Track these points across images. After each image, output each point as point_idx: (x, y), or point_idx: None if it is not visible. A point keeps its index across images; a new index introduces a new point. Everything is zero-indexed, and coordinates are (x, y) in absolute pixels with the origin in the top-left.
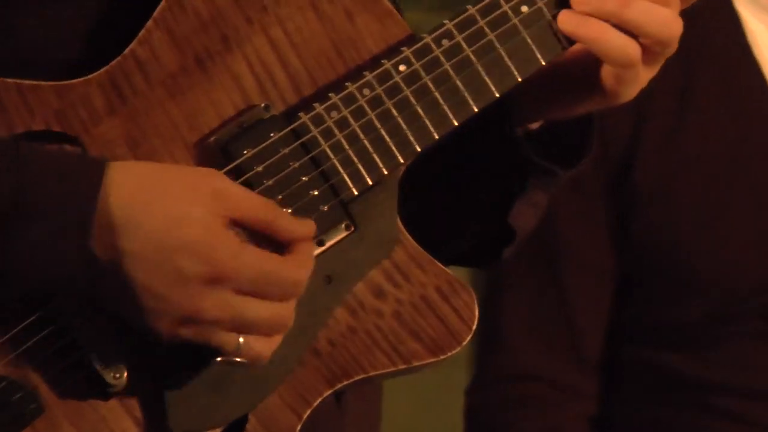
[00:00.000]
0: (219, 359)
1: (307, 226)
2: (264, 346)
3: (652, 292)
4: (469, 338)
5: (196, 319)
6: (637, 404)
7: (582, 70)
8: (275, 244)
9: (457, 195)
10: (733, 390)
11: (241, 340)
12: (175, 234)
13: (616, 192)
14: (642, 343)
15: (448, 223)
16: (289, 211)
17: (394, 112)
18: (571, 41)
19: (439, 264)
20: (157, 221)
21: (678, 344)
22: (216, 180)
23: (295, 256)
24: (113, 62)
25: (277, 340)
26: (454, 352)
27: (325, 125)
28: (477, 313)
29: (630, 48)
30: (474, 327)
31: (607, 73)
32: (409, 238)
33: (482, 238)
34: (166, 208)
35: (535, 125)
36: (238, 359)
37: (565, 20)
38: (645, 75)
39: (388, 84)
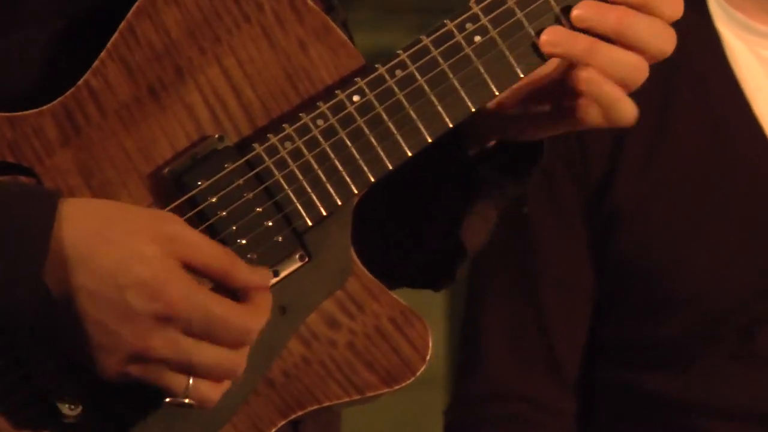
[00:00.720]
0: (167, 400)
1: (263, 276)
2: (212, 391)
3: (631, 311)
4: (422, 369)
5: (144, 357)
6: (615, 423)
7: (557, 99)
8: (231, 292)
9: (405, 213)
10: (711, 410)
11: (190, 382)
12: (127, 271)
13: (595, 210)
14: (620, 363)
15: (398, 243)
16: (243, 241)
17: (348, 142)
18: (540, 62)
19: (393, 294)
20: (111, 258)
21: (656, 364)
22: (174, 224)
23: (249, 305)
24: (67, 93)
25: (226, 385)
26: (408, 382)
27: (279, 156)
28: (431, 343)
29: (623, 101)
30: (428, 357)
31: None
32: (363, 268)
33: (432, 258)
34: (121, 245)
35: (490, 143)
36: (186, 401)
37: (549, 42)
38: None
39: (342, 114)
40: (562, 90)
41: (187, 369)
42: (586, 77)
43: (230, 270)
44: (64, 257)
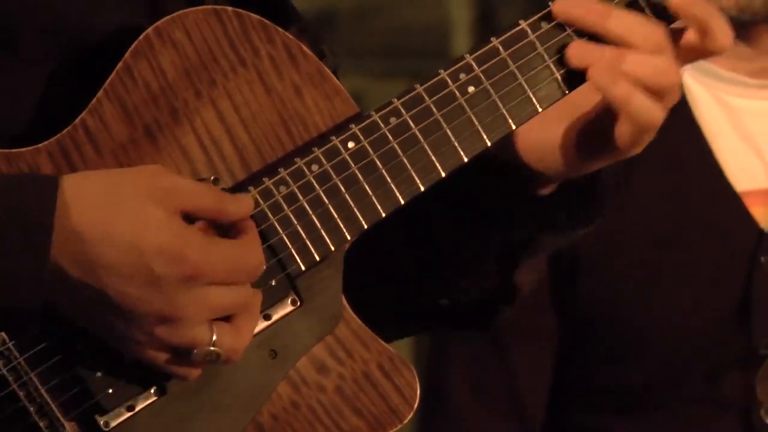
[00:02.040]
0: (195, 351)
1: (248, 202)
2: (236, 339)
3: (595, 355)
4: (410, 416)
5: (173, 319)
6: None
7: (598, 126)
8: (220, 226)
9: (465, 251)
10: None
11: (214, 338)
12: (145, 238)
13: (558, 258)
14: (585, 408)
15: (451, 283)
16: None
17: (342, 188)
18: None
19: (382, 341)
20: (125, 225)
21: (622, 409)
22: (165, 176)
23: (246, 238)
24: (63, 131)
25: (245, 332)
26: (395, 429)
27: (274, 199)
28: (418, 390)
29: (654, 111)
30: (415, 405)
31: (623, 131)
32: (353, 314)
33: (482, 299)
34: (130, 212)
35: (547, 190)
36: (213, 349)
37: (596, 78)
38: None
39: (337, 160)
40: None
41: (212, 314)
42: (619, 93)
43: (221, 207)
44: (76, 233)
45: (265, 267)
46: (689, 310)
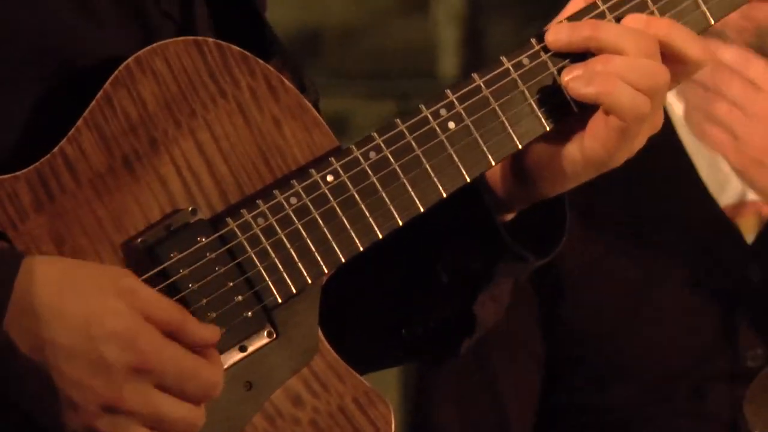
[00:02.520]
0: None
1: (213, 331)
2: None
3: (581, 376)
4: None
5: (115, 410)
6: None
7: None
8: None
9: (421, 281)
10: None
11: None
12: (100, 324)
13: (544, 277)
14: (571, 428)
15: (407, 315)
16: (214, 315)
17: (321, 222)
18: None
19: (357, 375)
20: (81, 312)
21: (609, 428)
22: (129, 278)
23: (209, 360)
24: (42, 159)
25: None
26: None
27: (252, 232)
28: (393, 424)
29: (639, 99)
30: None
31: (612, 126)
32: (329, 347)
33: (442, 331)
34: (89, 299)
35: (509, 216)
36: None
37: (572, 81)
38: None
39: (316, 194)
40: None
41: (156, 423)
42: (596, 89)
43: (183, 325)
44: (31, 310)
45: (220, 388)
46: (675, 328)
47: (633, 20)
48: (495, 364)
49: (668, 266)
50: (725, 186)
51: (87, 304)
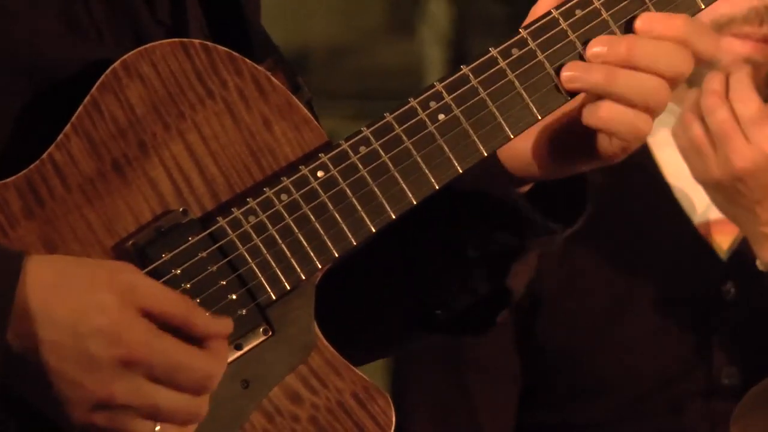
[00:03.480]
0: None
1: (223, 324)
2: None
3: (556, 393)
4: None
5: (109, 405)
6: None
7: (581, 134)
8: (189, 338)
9: (455, 257)
10: None
11: (157, 428)
12: (86, 320)
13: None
14: None
15: (445, 288)
16: (207, 314)
17: (312, 217)
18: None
19: (356, 370)
20: (68, 309)
21: None
22: (130, 273)
23: (209, 351)
24: (31, 166)
25: (191, 430)
26: None
27: (243, 229)
28: (394, 419)
29: (640, 122)
30: None
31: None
32: (326, 343)
33: (478, 303)
34: (78, 296)
35: (525, 188)
36: None
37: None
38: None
39: (306, 189)
40: (582, 128)
41: (153, 414)
42: (603, 115)
43: (189, 317)
44: (26, 312)
45: (217, 380)
46: (651, 346)
47: (649, 21)
48: (471, 383)
49: (643, 284)
50: (699, 203)
51: (76, 301)
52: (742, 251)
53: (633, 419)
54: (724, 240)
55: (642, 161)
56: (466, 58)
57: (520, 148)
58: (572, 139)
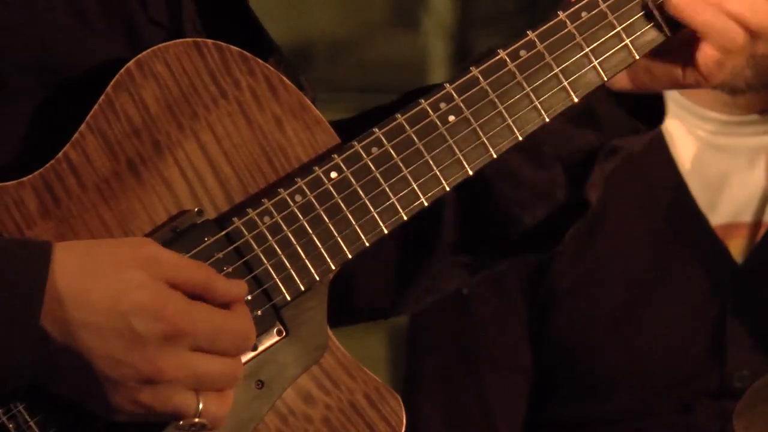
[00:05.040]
0: (180, 423)
1: (240, 287)
2: (220, 408)
3: (569, 388)
4: None
5: (155, 380)
6: None
7: (684, 55)
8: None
9: (522, 158)
10: None
11: (200, 406)
12: (126, 298)
13: (534, 291)
14: None
15: (522, 201)
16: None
17: (326, 218)
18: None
19: (368, 371)
20: (105, 290)
21: None
22: (150, 246)
23: (237, 312)
24: (47, 165)
25: (229, 400)
26: None
27: (258, 230)
28: (405, 419)
29: (735, 32)
30: None
31: (707, 57)
32: (338, 344)
33: (556, 213)
34: (110, 276)
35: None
36: (197, 420)
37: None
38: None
39: (320, 190)
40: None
41: (198, 384)
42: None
43: (209, 282)
44: (59, 299)
45: (254, 338)
46: (664, 344)
47: None
48: (483, 377)
49: (658, 283)
50: (716, 206)
51: (110, 281)
52: (757, 254)
53: (644, 415)
54: (739, 244)
55: (659, 159)
56: (470, 51)
57: None
58: (670, 54)
